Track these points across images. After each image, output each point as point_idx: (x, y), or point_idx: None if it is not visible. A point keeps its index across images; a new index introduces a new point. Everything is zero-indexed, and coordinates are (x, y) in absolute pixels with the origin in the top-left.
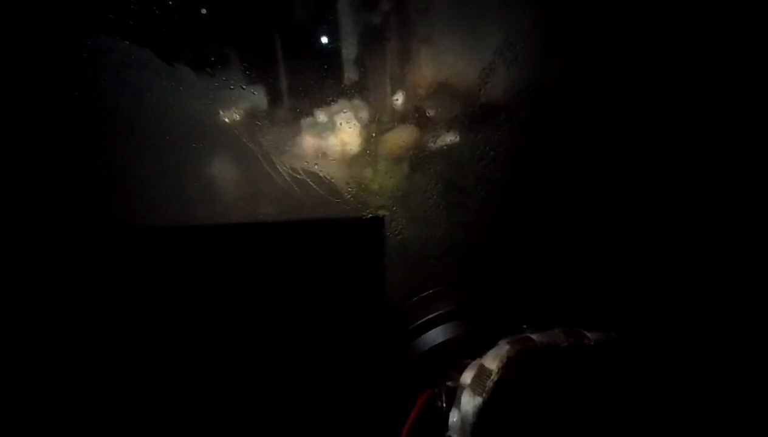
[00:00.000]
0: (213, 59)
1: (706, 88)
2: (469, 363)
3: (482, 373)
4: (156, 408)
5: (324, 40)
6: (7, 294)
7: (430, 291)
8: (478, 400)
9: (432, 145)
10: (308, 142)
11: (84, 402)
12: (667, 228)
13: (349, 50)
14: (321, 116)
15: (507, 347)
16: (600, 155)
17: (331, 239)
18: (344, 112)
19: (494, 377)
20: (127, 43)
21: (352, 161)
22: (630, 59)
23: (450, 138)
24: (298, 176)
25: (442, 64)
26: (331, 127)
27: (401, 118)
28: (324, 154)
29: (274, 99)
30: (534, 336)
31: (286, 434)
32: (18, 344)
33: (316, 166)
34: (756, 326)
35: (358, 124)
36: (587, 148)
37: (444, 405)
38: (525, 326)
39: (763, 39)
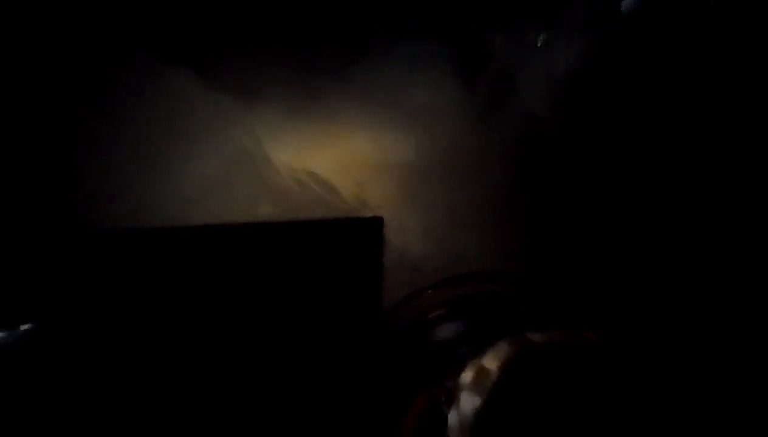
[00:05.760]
0: (212, 59)
1: (705, 91)
2: (469, 364)
3: (481, 373)
4: (148, 416)
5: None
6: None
7: (429, 291)
8: (478, 400)
9: (434, 145)
10: (309, 141)
11: (69, 412)
12: (666, 228)
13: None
14: (323, 116)
15: (506, 347)
16: (600, 155)
17: (329, 239)
18: (347, 112)
19: (493, 377)
20: (126, 41)
21: (352, 161)
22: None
23: (453, 139)
24: (298, 176)
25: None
26: (332, 126)
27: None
28: (324, 154)
29: (276, 99)
30: (534, 337)
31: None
32: None
33: (316, 166)
34: (756, 326)
35: (359, 124)
36: (588, 149)
37: (443, 406)
38: (525, 327)
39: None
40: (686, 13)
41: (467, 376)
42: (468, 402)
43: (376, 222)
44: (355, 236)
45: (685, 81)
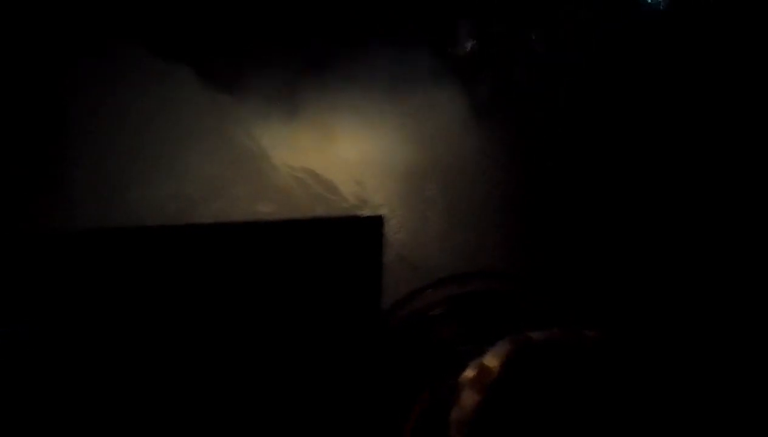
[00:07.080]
0: (212, 58)
1: (704, 91)
2: (470, 362)
3: (482, 372)
4: (148, 415)
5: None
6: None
7: (429, 289)
8: (478, 399)
9: (434, 144)
10: (309, 140)
11: (68, 414)
12: (666, 228)
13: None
14: (323, 114)
15: (507, 346)
16: (599, 155)
17: (329, 238)
18: (347, 111)
19: (494, 375)
20: (127, 41)
21: (352, 160)
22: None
23: (453, 138)
24: (298, 175)
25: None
26: (332, 125)
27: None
28: (324, 153)
29: (274, 98)
30: (534, 335)
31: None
32: None
33: (316, 165)
34: (756, 326)
35: (359, 123)
36: (588, 149)
37: (444, 404)
38: (525, 325)
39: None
40: (691, 13)
41: (468, 374)
42: (469, 400)
43: (376, 221)
44: (355, 234)
45: (686, 82)
